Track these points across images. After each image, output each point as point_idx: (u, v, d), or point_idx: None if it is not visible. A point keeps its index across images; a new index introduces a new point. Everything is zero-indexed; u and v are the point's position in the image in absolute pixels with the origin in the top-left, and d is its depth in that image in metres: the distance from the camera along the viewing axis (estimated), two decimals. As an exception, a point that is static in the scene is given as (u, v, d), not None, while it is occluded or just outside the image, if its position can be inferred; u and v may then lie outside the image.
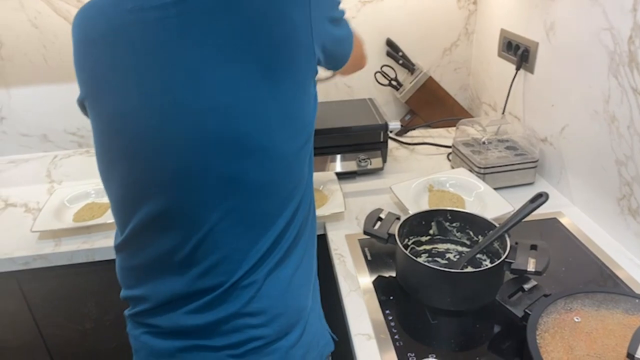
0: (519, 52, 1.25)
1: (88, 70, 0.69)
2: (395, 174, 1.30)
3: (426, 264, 0.83)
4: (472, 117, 1.57)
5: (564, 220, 1.05)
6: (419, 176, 1.19)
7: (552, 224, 1.05)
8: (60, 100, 1.47)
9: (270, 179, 0.67)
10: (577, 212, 1.09)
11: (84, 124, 1.50)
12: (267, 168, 0.66)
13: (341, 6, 0.76)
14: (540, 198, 0.84)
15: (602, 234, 1.01)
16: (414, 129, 1.54)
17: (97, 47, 0.67)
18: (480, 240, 0.92)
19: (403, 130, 1.52)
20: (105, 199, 1.19)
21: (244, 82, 0.63)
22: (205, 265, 0.68)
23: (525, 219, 1.07)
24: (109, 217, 1.11)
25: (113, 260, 0.77)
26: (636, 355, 0.60)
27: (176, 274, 0.69)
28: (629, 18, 0.88)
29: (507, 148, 1.23)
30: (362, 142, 1.28)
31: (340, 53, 0.79)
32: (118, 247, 0.74)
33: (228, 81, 0.62)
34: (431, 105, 1.56)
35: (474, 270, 0.87)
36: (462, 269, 0.87)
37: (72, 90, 0.89)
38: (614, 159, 0.96)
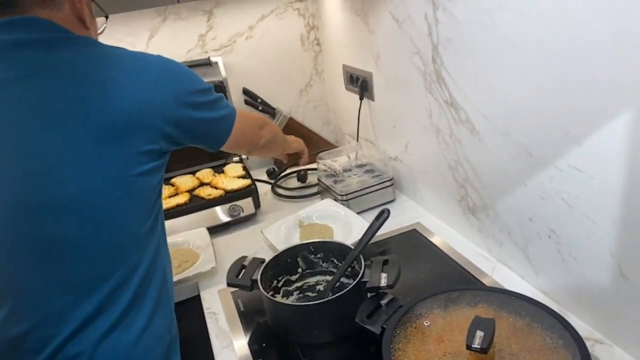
0: (359, 83, 1.34)
1: None
2: (270, 218, 1.31)
3: (282, 301, 0.82)
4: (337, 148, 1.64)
5: (422, 230, 1.12)
6: (290, 214, 1.21)
7: (412, 235, 1.11)
8: None
9: (92, 241, 0.67)
10: (433, 219, 1.16)
11: None
12: (87, 231, 0.67)
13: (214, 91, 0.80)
14: (383, 215, 0.89)
15: (454, 235, 1.09)
16: (284, 170, 1.57)
17: None
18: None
19: (276, 174, 1.54)
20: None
21: (67, 146, 0.65)
22: (20, 330, 0.66)
23: (389, 235, 1.11)
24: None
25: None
26: (473, 345, 0.63)
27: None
28: (427, 41, 0.99)
29: (366, 172, 1.30)
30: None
31: (212, 133, 0.83)
32: None
33: (50, 145, 0.64)
34: (298, 144, 1.60)
35: (328, 298, 0.82)
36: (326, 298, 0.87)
37: None
38: (447, 166, 1.05)
